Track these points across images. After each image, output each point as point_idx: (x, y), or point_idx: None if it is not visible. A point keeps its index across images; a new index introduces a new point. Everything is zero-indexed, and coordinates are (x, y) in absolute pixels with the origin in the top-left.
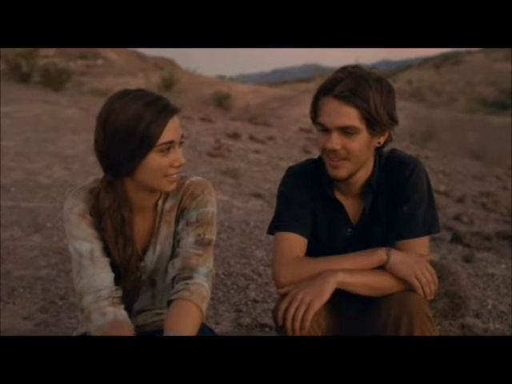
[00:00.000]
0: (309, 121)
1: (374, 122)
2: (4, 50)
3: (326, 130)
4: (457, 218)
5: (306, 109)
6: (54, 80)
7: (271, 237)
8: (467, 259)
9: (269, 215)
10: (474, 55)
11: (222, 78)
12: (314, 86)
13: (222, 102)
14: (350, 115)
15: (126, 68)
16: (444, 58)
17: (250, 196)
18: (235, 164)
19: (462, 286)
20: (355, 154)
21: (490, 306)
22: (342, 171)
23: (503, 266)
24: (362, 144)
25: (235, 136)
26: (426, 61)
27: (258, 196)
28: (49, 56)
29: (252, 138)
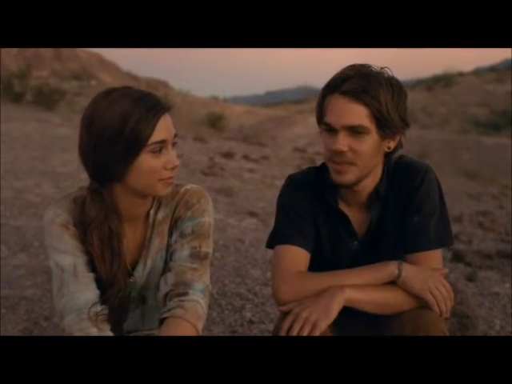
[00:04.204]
0: (303, 141)
1: (385, 123)
2: None
3: (332, 131)
4: (455, 236)
5: (300, 129)
6: (47, 99)
7: (267, 255)
8: (470, 278)
9: (264, 234)
10: (466, 77)
11: (215, 99)
12: (307, 108)
13: (215, 122)
14: (358, 113)
15: None
16: (436, 80)
17: (244, 214)
18: (229, 182)
19: (469, 305)
20: (363, 158)
21: (497, 327)
22: (348, 177)
23: (507, 285)
24: (370, 146)
25: (229, 155)
26: (418, 83)
27: (252, 214)
28: (42, 77)
29: (246, 157)
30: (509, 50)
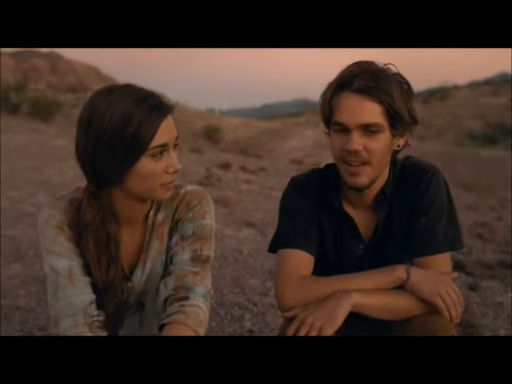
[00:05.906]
0: (300, 153)
1: (397, 120)
2: None
3: (343, 131)
4: None
5: (296, 142)
6: (43, 111)
7: (266, 265)
8: (472, 288)
9: (262, 244)
10: (461, 90)
11: (211, 111)
12: (303, 120)
13: (212, 135)
14: (373, 111)
15: None
16: (431, 93)
17: (242, 225)
18: (226, 193)
19: (475, 314)
20: (376, 157)
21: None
22: (363, 178)
23: (510, 294)
24: (384, 145)
25: (226, 166)
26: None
27: (250, 225)
28: (39, 89)
29: (243, 168)
30: (503, 63)
